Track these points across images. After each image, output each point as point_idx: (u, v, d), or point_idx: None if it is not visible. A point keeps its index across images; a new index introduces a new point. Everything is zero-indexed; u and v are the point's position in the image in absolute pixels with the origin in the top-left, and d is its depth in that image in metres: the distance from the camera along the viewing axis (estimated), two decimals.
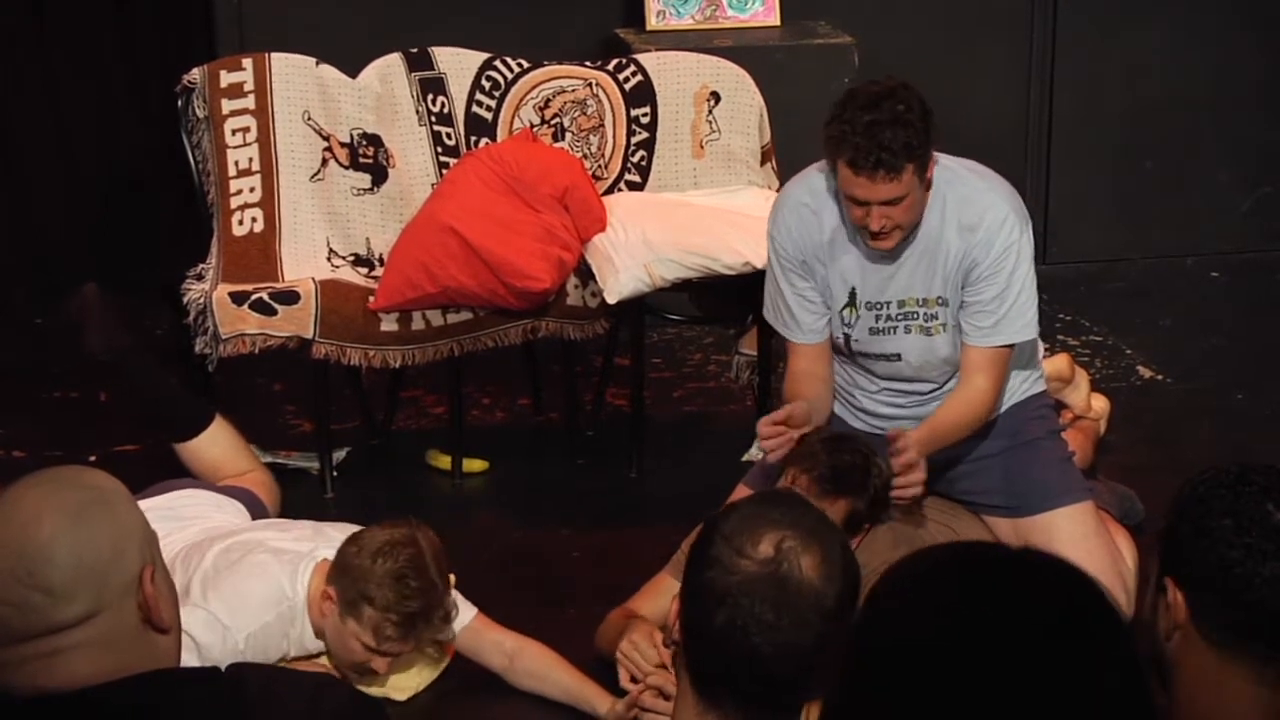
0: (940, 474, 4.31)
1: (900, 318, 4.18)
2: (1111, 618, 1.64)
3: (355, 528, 3.98)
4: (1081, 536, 4.25)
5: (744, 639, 2.26)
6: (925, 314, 4.17)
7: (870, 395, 4.33)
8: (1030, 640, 1.59)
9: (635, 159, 5.41)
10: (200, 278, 4.96)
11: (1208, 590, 2.23)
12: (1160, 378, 5.85)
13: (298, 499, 4.70)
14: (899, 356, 4.23)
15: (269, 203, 5.09)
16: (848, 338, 4.23)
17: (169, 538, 3.75)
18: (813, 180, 4.18)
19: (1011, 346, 4.18)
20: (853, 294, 4.18)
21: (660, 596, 4.01)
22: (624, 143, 5.40)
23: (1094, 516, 4.34)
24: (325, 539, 3.97)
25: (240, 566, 3.82)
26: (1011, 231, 4.08)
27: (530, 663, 3.96)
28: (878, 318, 4.19)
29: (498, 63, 5.34)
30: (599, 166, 5.35)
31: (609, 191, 5.32)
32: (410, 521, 3.90)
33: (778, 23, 6.28)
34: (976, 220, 4.07)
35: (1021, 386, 4.36)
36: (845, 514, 3.79)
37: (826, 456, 3.92)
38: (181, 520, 4.10)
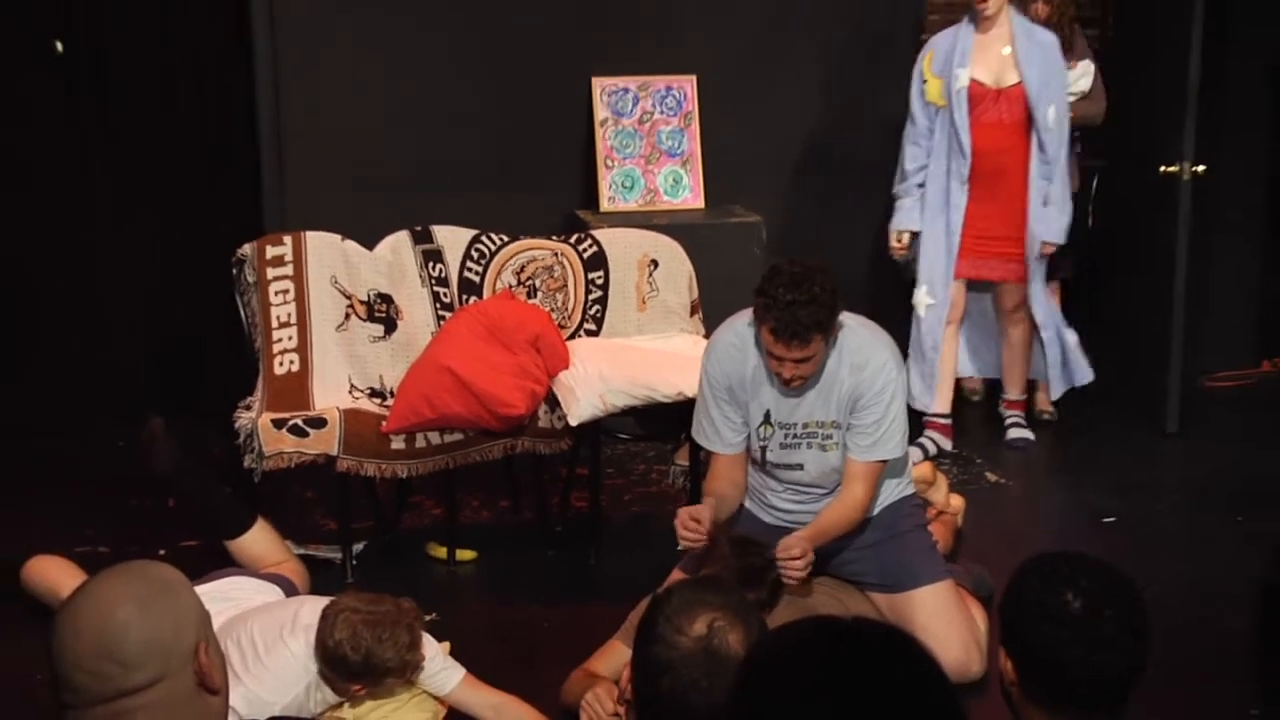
0: (833, 559, 4.31)
1: (804, 436, 4.20)
2: (926, 667, 1.65)
3: None
4: (944, 608, 4.25)
5: (683, 701, 2.25)
6: (823, 434, 4.19)
7: (777, 494, 4.34)
8: (860, 688, 1.60)
9: (592, 312, 5.41)
10: (249, 408, 4.93)
11: (1024, 663, 2.25)
12: (1004, 481, 5.87)
13: (324, 583, 4.65)
14: (801, 467, 4.24)
15: (303, 349, 5.07)
16: (764, 450, 4.24)
17: (220, 616, 3.70)
18: (739, 326, 4.21)
19: (885, 462, 4.19)
20: (767, 415, 4.20)
21: (613, 657, 3.98)
22: (583, 299, 5.40)
23: (953, 591, 4.34)
24: None
25: (275, 653, 3.77)
26: (890, 373, 4.13)
27: (511, 716, 3.91)
28: (786, 435, 4.20)
29: (484, 237, 5.36)
30: (563, 318, 5.36)
31: (572, 337, 5.32)
32: (383, 597, 3.83)
33: (703, 205, 6.33)
34: (864, 362, 4.12)
35: (896, 490, 4.36)
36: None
37: (735, 560, 3.95)
38: (230, 601, 4.04)
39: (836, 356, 4.12)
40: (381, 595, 3.83)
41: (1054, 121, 5.81)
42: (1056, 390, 6.28)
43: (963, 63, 5.78)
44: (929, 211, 5.93)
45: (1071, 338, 6.20)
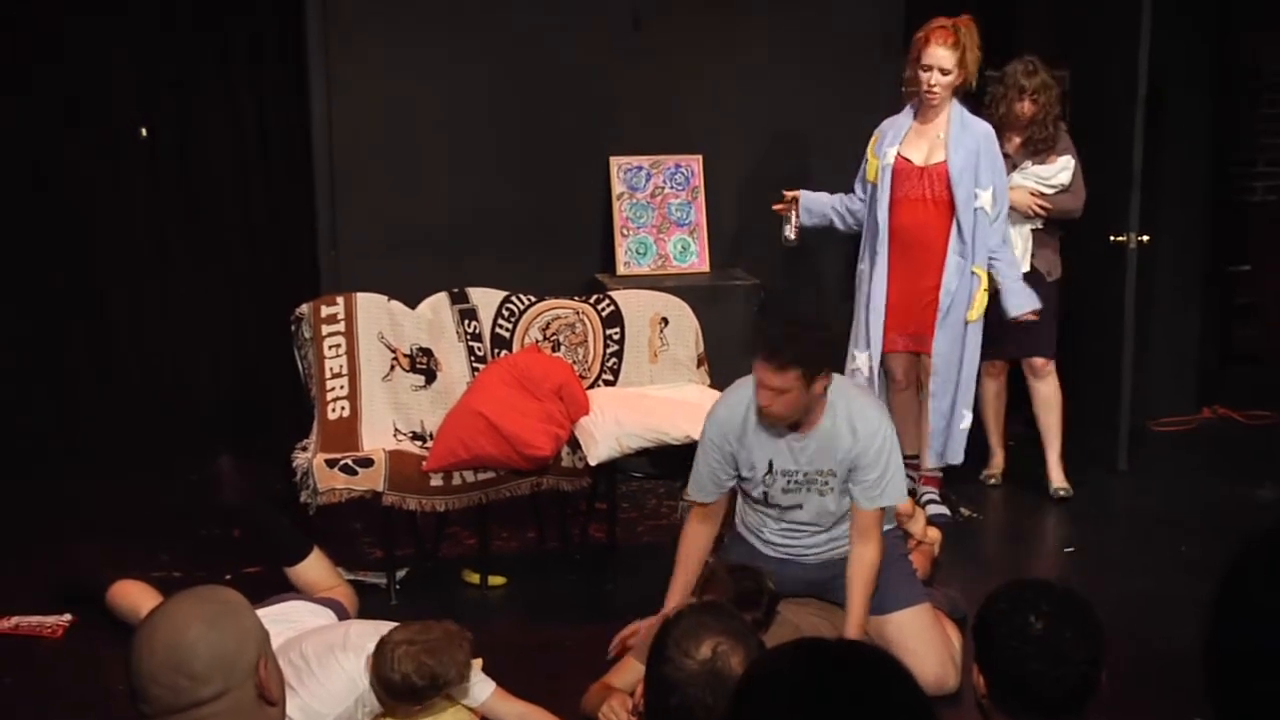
0: (826, 585, 4.29)
1: (805, 481, 4.19)
2: (904, 684, 1.66)
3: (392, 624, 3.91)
4: (921, 627, 4.23)
5: (691, 716, 2.24)
6: (820, 481, 4.18)
7: (773, 531, 4.32)
8: (844, 703, 1.61)
9: (609, 364, 5.42)
10: (305, 449, 4.93)
11: (994, 677, 2.25)
12: (975, 515, 5.85)
13: (371, 606, 4.63)
14: (800, 507, 4.23)
15: (353, 396, 5.08)
16: (766, 494, 4.23)
17: (279, 636, 3.69)
18: (740, 393, 4.19)
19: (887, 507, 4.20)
20: (770, 464, 4.18)
21: (627, 672, 3.95)
22: (601, 353, 5.41)
23: (930, 613, 4.32)
24: (378, 634, 3.87)
25: (328, 669, 3.74)
26: (884, 433, 4.13)
27: None
28: (789, 480, 4.19)
29: (513, 298, 5.37)
30: (584, 369, 5.36)
31: (591, 386, 5.32)
32: (428, 624, 3.79)
33: (708, 270, 6.33)
34: (860, 426, 4.11)
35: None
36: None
37: (733, 585, 3.92)
38: (289, 622, 4.02)
39: (832, 417, 4.10)
40: (426, 622, 3.81)
41: (989, 204, 5.44)
42: (931, 459, 5.70)
43: (894, 142, 5.49)
44: (868, 283, 5.56)
45: (966, 421, 5.64)
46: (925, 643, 4.16)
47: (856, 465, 4.12)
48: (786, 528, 4.30)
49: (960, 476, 6.10)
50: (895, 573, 4.31)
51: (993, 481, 6.13)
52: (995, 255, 5.52)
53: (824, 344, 4.01)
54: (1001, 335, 5.77)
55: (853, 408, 4.12)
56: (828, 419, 4.10)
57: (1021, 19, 6.99)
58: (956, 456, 5.70)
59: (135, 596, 4.53)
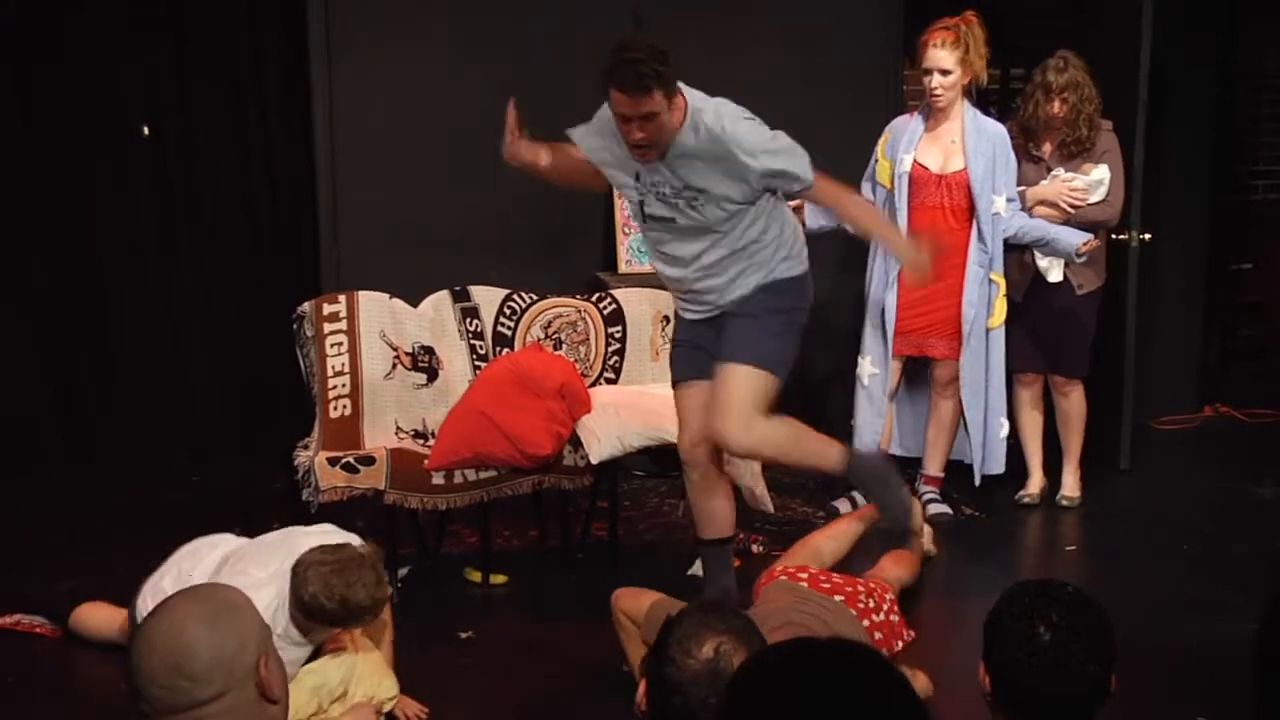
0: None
1: (673, 196, 4.17)
2: (893, 684, 1.66)
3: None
4: (735, 386, 4.15)
5: (694, 717, 2.24)
6: (690, 196, 4.14)
7: (669, 268, 4.32)
8: (832, 702, 1.63)
9: (611, 362, 5.41)
10: (306, 447, 4.93)
11: (998, 680, 2.24)
12: (977, 514, 5.84)
13: None
14: (674, 220, 4.20)
15: (355, 395, 5.07)
16: (642, 204, 4.21)
17: (284, 562, 3.69)
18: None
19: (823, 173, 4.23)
20: (638, 174, 4.18)
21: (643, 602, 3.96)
22: (603, 351, 5.40)
23: (757, 377, 4.15)
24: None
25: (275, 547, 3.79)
26: (750, 123, 4.19)
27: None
28: (658, 193, 4.19)
29: (515, 296, 5.36)
30: (586, 367, 5.35)
31: (593, 385, 5.31)
32: (343, 545, 3.71)
33: None
34: (717, 125, 4.09)
35: (780, 267, 4.26)
36: None
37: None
38: (291, 552, 3.82)
39: (694, 130, 3.99)
40: (342, 544, 3.70)
41: (1003, 209, 5.41)
42: (977, 476, 5.68)
43: (909, 148, 5.42)
44: (875, 289, 5.56)
45: (1004, 430, 5.66)
46: (728, 397, 4.11)
47: (753, 167, 4.02)
48: (675, 262, 4.21)
49: (960, 477, 6.10)
50: (753, 328, 4.18)
51: (1028, 501, 5.88)
52: (1021, 236, 5.48)
53: (668, 59, 3.88)
54: (1032, 349, 5.74)
55: (716, 116, 4.00)
56: (688, 134, 3.99)
57: (1020, 19, 6.97)
58: (998, 466, 5.68)
59: (97, 616, 4.46)
